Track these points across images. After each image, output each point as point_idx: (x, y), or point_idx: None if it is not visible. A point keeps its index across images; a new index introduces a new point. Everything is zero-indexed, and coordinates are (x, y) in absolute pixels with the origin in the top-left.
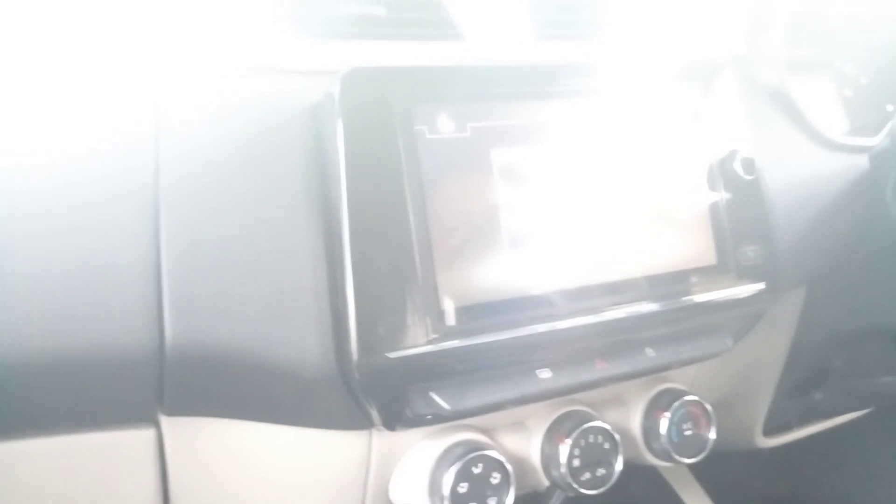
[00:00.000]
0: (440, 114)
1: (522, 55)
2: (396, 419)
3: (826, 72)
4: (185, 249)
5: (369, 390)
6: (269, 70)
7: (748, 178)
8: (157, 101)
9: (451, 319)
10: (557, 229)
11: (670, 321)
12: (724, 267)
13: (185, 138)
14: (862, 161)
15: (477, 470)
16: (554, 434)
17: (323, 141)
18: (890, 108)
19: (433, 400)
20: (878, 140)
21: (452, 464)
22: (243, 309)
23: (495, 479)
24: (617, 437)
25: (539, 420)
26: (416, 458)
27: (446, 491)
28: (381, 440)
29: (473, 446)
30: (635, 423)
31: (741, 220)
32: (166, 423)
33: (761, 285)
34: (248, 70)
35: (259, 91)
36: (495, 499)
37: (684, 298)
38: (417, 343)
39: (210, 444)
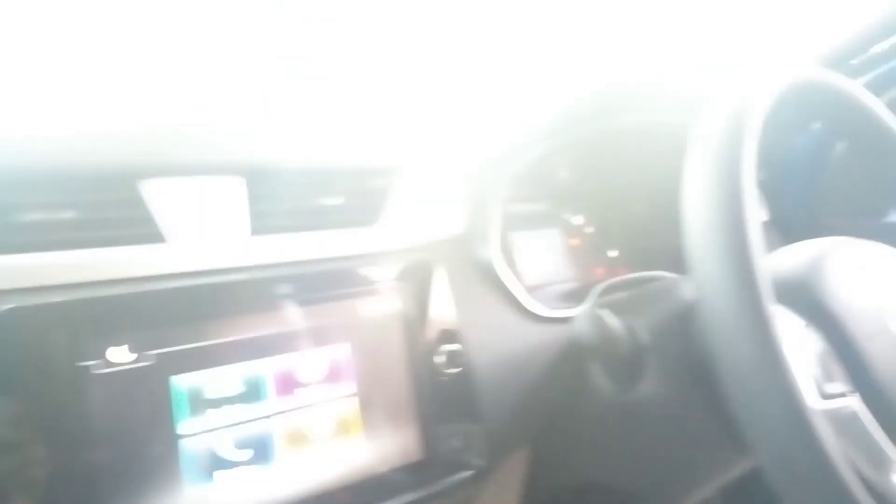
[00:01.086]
0: (110, 346)
1: (232, 256)
2: None
3: (557, 224)
4: None
5: None
6: None
7: (453, 371)
8: None
9: None
10: (247, 457)
11: None
12: (431, 460)
13: None
14: (566, 330)
15: None
16: None
17: None
18: (612, 253)
19: None
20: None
21: None
22: None
23: None
24: None
25: None
26: None
27: None
28: None
29: None
30: None
31: (447, 412)
32: None
33: (467, 473)
34: None
35: None
36: None
37: (395, 500)
38: None
39: None
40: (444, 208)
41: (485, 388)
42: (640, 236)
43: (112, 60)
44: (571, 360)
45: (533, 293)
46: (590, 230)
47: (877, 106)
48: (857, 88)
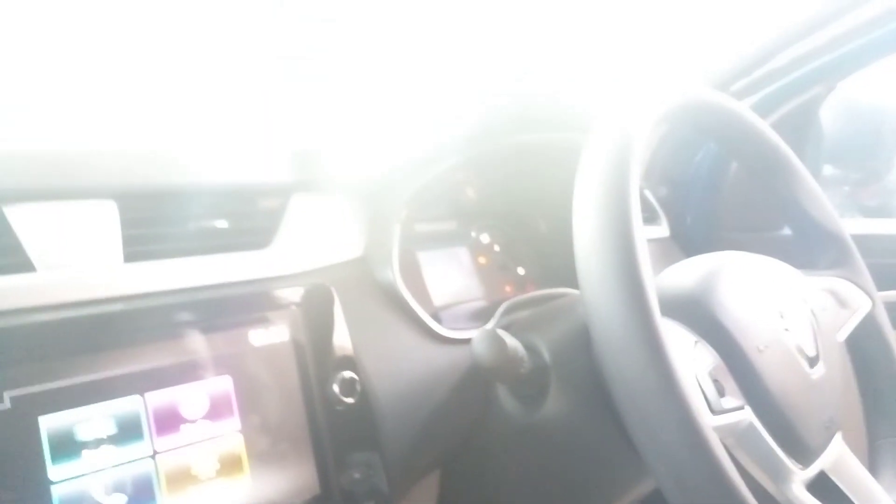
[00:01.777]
0: None
1: (107, 285)
2: None
3: (464, 242)
4: None
5: None
6: None
7: (348, 400)
8: None
9: None
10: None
11: None
12: (328, 494)
13: None
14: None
15: None
16: None
17: None
18: (521, 270)
19: None
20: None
21: None
22: None
23: None
24: None
25: None
26: None
27: None
28: None
29: None
30: None
31: (344, 443)
32: None
33: None
34: None
35: None
36: None
37: None
38: None
39: None
40: (342, 229)
41: (385, 415)
42: (546, 253)
43: None
44: (478, 381)
45: (442, 313)
46: (497, 248)
47: (762, 125)
48: (742, 108)
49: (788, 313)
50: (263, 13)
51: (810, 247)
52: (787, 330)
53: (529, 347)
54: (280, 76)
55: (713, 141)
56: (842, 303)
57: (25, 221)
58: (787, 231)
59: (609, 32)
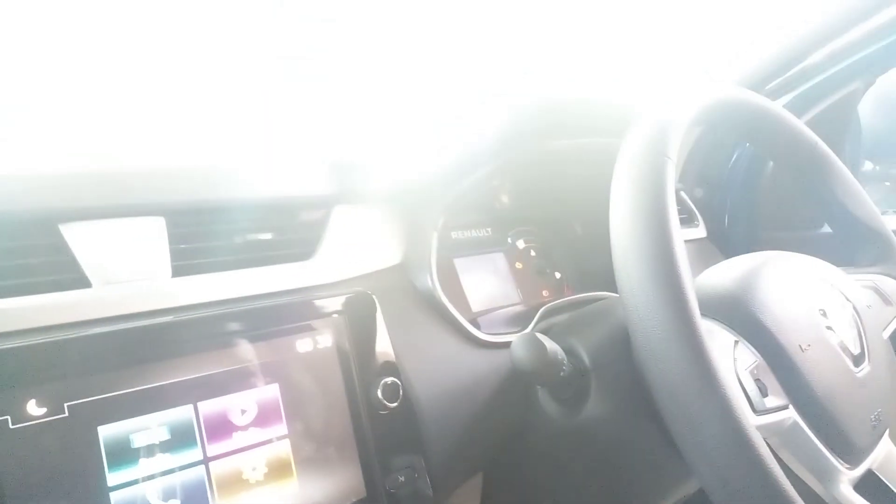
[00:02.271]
0: (27, 398)
1: (159, 298)
2: None
3: (500, 248)
4: None
5: None
6: None
7: (392, 405)
8: None
9: None
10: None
11: None
12: (374, 497)
13: None
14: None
15: None
16: None
17: None
18: (558, 275)
19: None
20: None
21: None
22: None
23: None
24: None
25: None
26: None
27: None
28: None
29: None
30: None
31: (389, 446)
32: None
33: None
34: None
35: None
36: None
37: None
38: None
39: None
40: (381, 238)
41: (428, 419)
42: (582, 257)
43: (26, 103)
44: (518, 385)
45: (480, 318)
46: (533, 253)
47: (798, 123)
48: (776, 107)
49: (831, 311)
50: (288, 17)
51: (851, 244)
52: (830, 328)
53: (569, 351)
54: (298, 84)
55: (748, 140)
56: (886, 300)
57: (80, 239)
58: (826, 229)
59: (640, 34)
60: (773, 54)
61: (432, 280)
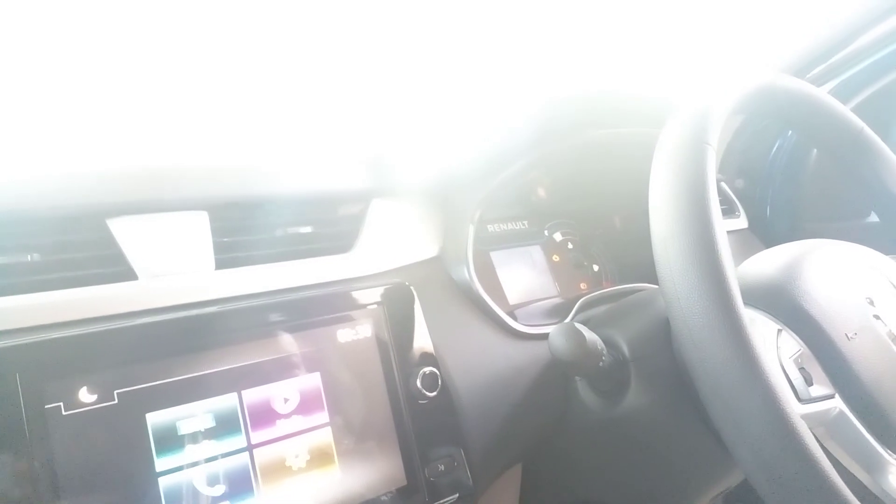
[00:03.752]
0: (79, 386)
1: (203, 290)
2: None
3: (537, 241)
4: None
5: None
6: None
7: (431, 394)
8: None
9: None
10: (226, 491)
11: None
12: (415, 486)
13: None
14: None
15: None
16: None
17: None
18: (595, 267)
19: None
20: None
21: None
22: None
23: None
24: None
25: None
26: None
27: None
28: None
29: None
30: None
31: (428, 436)
32: None
33: (453, 497)
34: None
35: None
36: None
37: None
38: None
39: None
40: (418, 231)
41: (467, 409)
42: (620, 249)
43: (74, 101)
44: (557, 376)
45: (517, 311)
46: (571, 246)
47: (843, 109)
48: (820, 92)
49: (879, 300)
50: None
51: None
52: (877, 317)
53: (608, 342)
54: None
55: (791, 127)
56: None
57: (127, 233)
58: (872, 219)
59: (680, 23)
60: (816, 40)
61: (469, 272)
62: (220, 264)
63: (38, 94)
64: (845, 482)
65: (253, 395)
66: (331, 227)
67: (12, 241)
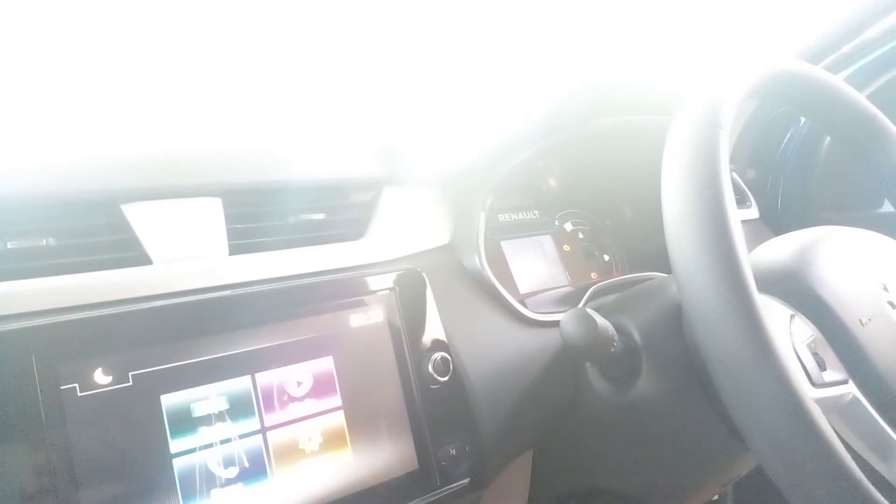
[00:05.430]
0: (94, 367)
1: (217, 275)
2: None
3: (548, 230)
4: None
5: None
6: None
7: (443, 379)
8: None
9: None
10: (240, 473)
11: None
12: (426, 470)
13: None
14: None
15: None
16: None
17: None
18: (606, 257)
19: None
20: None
21: None
22: None
23: None
24: None
25: None
26: None
27: None
28: None
29: None
30: None
31: (440, 420)
32: None
33: (464, 482)
34: None
35: None
36: None
37: None
38: None
39: None
40: (430, 219)
41: (478, 395)
42: (631, 238)
43: (89, 87)
44: (568, 363)
45: (528, 300)
46: (581, 235)
47: (857, 95)
48: (834, 78)
49: (893, 286)
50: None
51: None
52: (892, 303)
53: (619, 328)
54: (349, 68)
55: (805, 113)
56: None
57: (142, 219)
58: (884, 209)
59: (692, 13)
60: (831, 28)
61: (480, 260)
62: (234, 250)
63: (55, 81)
64: (859, 468)
65: (266, 378)
66: (343, 215)
67: (29, 226)
